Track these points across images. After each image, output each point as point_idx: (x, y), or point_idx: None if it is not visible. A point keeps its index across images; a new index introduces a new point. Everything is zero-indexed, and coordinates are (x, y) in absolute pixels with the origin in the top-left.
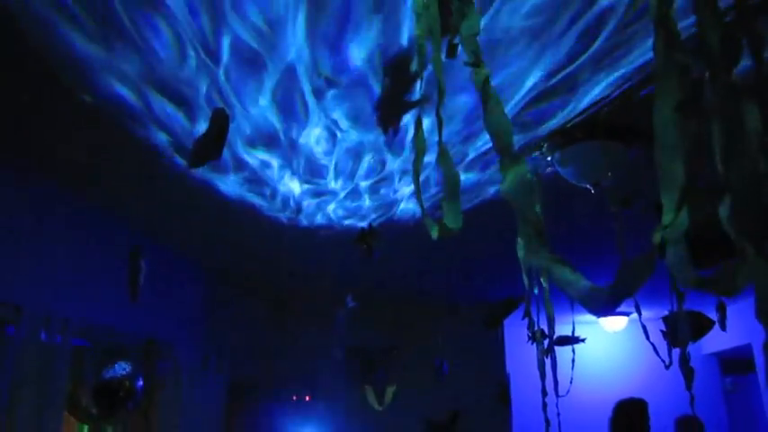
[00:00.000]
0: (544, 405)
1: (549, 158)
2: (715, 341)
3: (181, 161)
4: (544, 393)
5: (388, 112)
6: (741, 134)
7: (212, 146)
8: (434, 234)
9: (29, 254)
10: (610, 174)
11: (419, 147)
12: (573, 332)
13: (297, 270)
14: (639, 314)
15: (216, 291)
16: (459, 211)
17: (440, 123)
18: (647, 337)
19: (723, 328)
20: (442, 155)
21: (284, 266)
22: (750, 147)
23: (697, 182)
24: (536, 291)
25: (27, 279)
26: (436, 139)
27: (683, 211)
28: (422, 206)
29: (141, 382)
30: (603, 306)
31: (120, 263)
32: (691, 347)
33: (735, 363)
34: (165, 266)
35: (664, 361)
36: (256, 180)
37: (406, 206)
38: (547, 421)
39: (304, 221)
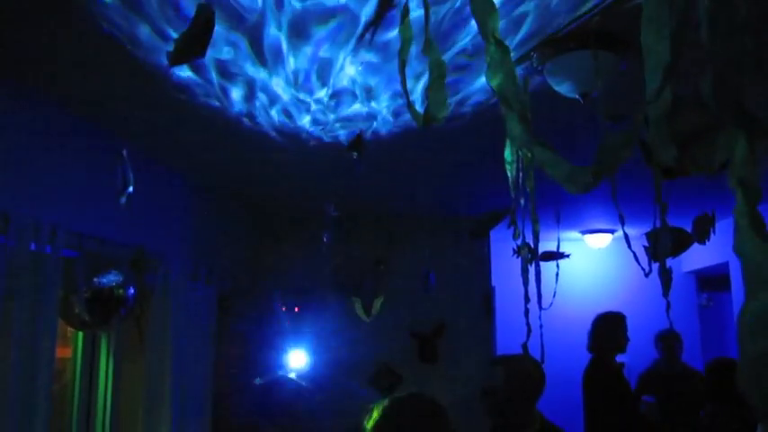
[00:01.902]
0: (526, 311)
1: (538, 68)
2: (694, 260)
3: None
4: (526, 300)
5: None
6: (728, 10)
7: (197, 42)
8: (420, 123)
9: (15, 162)
10: (600, 85)
11: (405, 36)
12: (558, 248)
13: (285, 184)
14: (623, 224)
15: (205, 204)
16: (444, 100)
17: (426, 10)
18: (629, 246)
19: (707, 238)
20: (428, 43)
21: (272, 180)
22: (736, 21)
23: (680, 60)
24: (522, 201)
25: (14, 187)
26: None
27: (666, 90)
28: (407, 96)
29: (133, 291)
30: (585, 185)
31: (107, 174)
32: (670, 265)
33: (711, 280)
34: (153, 179)
35: (644, 269)
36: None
37: (393, 117)
38: (528, 327)
39: (292, 133)
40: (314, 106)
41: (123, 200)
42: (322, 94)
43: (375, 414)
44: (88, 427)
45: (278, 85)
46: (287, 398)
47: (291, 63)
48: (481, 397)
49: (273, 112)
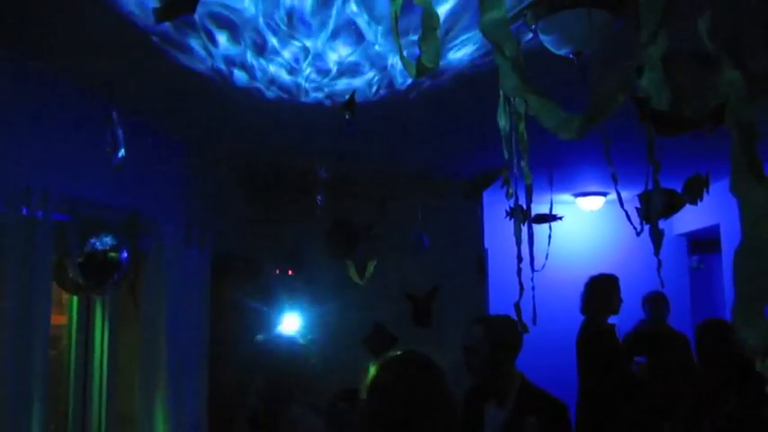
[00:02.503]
0: (519, 270)
1: (532, 27)
2: (685, 222)
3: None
4: (519, 260)
5: None
6: None
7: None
8: (412, 73)
9: (4, 126)
10: (593, 43)
11: None
12: (551, 210)
13: (278, 147)
14: (616, 183)
15: (198, 167)
16: (437, 50)
17: None
18: (621, 205)
19: (700, 198)
20: None
21: (265, 144)
22: None
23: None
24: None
25: (4, 152)
26: None
27: (662, 34)
28: (399, 47)
29: (126, 255)
30: (577, 131)
31: (99, 139)
32: (662, 227)
33: (702, 243)
34: (146, 143)
35: (635, 228)
36: (231, 44)
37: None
38: (521, 286)
39: (283, 93)
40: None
41: (115, 162)
42: (314, 42)
43: (372, 371)
44: (85, 391)
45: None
46: (284, 356)
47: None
48: (462, 355)
49: (265, 63)
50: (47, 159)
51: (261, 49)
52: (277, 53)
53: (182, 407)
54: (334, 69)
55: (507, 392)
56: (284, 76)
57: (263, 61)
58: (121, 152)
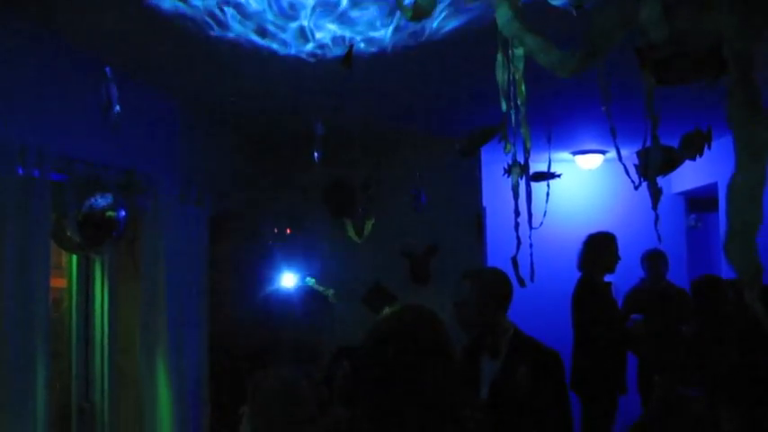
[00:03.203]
0: (516, 225)
1: None
2: (683, 181)
3: None
4: (517, 214)
5: None
6: None
7: None
8: (408, 16)
9: None
10: None
11: None
12: (549, 168)
13: (275, 104)
14: (614, 137)
15: (194, 126)
16: None
17: None
18: (620, 158)
19: (700, 153)
20: None
21: (262, 100)
22: None
23: None
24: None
25: None
26: None
27: None
28: None
29: (124, 213)
30: (575, 68)
31: (94, 97)
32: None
33: (700, 201)
34: (142, 101)
35: (633, 182)
36: None
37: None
38: (518, 240)
39: (278, 47)
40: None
41: (112, 120)
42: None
43: (374, 325)
44: (87, 350)
45: None
46: (287, 310)
47: None
48: (453, 309)
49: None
50: (42, 118)
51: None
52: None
53: (182, 364)
54: (334, 17)
55: (500, 344)
56: (281, 29)
57: (254, 4)
58: (116, 109)
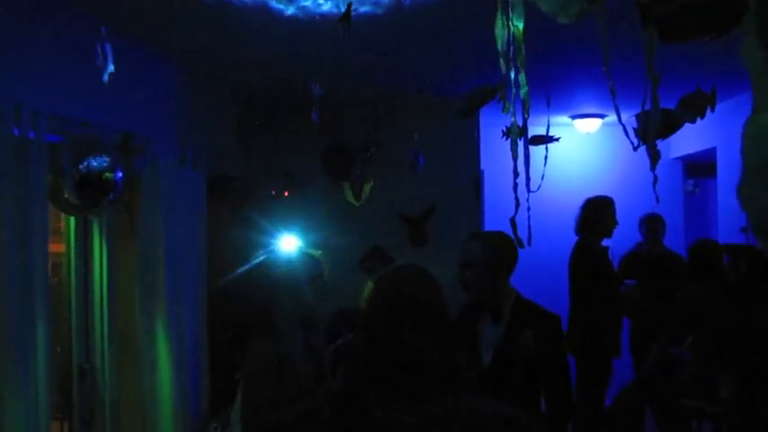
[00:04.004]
0: (514, 186)
1: None
2: (681, 146)
3: None
4: (515, 175)
5: None
6: None
7: None
8: None
9: None
10: None
11: None
12: (547, 132)
13: (272, 65)
14: (614, 96)
15: (191, 88)
16: None
17: None
18: (619, 119)
19: (702, 115)
20: None
21: (259, 61)
22: None
23: None
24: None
25: None
26: None
27: None
28: None
29: (121, 175)
30: (577, 13)
31: (90, 58)
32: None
33: (698, 167)
34: (139, 62)
35: (632, 143)
36: None
37: None
38: (516, 201)
39: (275, 9)
40: None
41: (105, 78)
42: None
43: (371, 284)
44: (87, 313)
45: None
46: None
47: None
48: (459, 272)
49: None
50: (37, 79)
51: None
52: None
53: (181, 325)
54: None
55: (502, 309)
56: None
57: None
58: (110, 68)
